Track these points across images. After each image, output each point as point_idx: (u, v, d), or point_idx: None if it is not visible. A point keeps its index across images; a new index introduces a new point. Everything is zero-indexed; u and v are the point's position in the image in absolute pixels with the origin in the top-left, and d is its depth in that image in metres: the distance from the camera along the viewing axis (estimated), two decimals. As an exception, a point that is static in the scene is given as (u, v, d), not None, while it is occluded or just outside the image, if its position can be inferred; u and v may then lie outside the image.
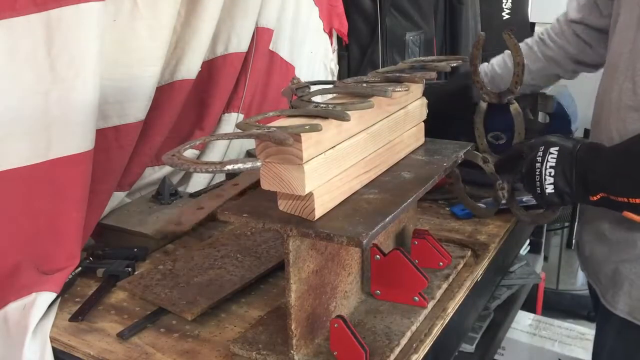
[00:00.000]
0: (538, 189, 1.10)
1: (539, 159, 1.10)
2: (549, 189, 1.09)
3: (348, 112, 0.93)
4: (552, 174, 1.08)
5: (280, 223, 0.92)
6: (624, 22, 1.18)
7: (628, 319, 1.19)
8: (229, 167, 0.77)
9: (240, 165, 0.78)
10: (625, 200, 1.02)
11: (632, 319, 1.18)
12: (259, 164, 0.80)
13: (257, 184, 0.95)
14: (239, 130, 0.90)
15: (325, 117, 0.93)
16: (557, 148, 1.09)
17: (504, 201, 1.34)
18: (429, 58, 1.35)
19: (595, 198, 1.06)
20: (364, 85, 1.10)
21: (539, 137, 1.15)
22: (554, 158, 1.09)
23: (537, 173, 1.10)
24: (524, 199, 1.41)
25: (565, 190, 1.08)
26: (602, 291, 1.25)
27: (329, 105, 0.95)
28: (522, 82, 1.35)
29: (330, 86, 1.14)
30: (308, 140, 0.87)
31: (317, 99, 1.04)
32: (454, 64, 1.26)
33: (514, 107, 1.38)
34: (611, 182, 1.04)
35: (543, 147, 1.11)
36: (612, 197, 1.03)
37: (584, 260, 1.32)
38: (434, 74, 1.21)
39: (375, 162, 1.08)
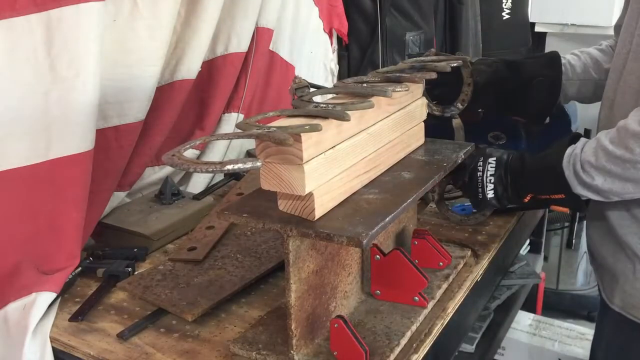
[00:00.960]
0: (480, 194, 1.26)
1: (480, 168, 1.26)
2: (490, 194, 1.25)
3: (348, 112, 0.93)
4: (492, 181, 1.25)
5: (280, 223, 0.92)
6: (626, 24, 1.23)
7: (622, 314, 1.25)
8: (229, 167, 0.77)
9: (240, 165, 0.78)
10: (548, 197, 1.20)
11: (626, 313, 1.25)
12: (259, 164, 0.80)
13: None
14: (239, 130, 0.90)
15: (325, 117, 0.93)
16: (494, 159, 1.25)
17: (432, 204, 1.48)
18: (429, 58, 1.36)
19: (526, 199, 1.24)
20: (364, 85, 1.10)
21: (477, 149, 1.29)
22: (493, 167, 1.25)
23: (479, 181, 1.26)
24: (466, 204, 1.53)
25: (503, 195, 1.25)
26: (604, 285, 1.31)
27: (329, 105, 0.95)
28: (468, 101, 1.43)
29: (330, 88, 1.14)
30: (308, 140, 0.87)
31: (317, 99, 1.04)
32: (454, 64, 1.26)
33: (457, 121, 1.44)
34: (534, 185, 1.22)
35: (482, 158, 1.26)
36: (538, 196, 1.22)
37: (592, 254, 1.37)
38: (434, 74, 1.21)
39: (375, 162, 1.08)
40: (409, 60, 1.34)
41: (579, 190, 1.14)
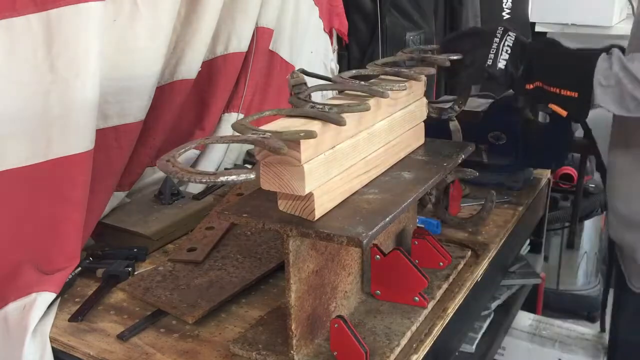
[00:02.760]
0: (490, 61, 1.21)
1: (499, 35, 1.21)
2: (501, 65, 1.21)
3: (345, 114, 0.93)
4: (509, 52, 1.21)
5: (280, 223, 0.92)
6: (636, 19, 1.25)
7: None
8: (223, 178, 0.76)
9: (234, 177, 0.77)
10: (557, 91, 1.16)
11: None
12: (252, 176, 0.79)
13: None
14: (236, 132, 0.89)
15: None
16: (514, 34, 1.22)
17: (430, 205, 1.47)
18: (429, 47, 1.35)
19: (531, 86, 1.19)
20: (362, 83, 1.09)
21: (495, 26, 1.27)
22: (512, 40, 1.21)
23: (494, 47, 1.21)
24: None
25: (511, 70, 1.20)
26: (626, 268, 1.33)
27: (326, 107, 0.95)
28: (465, 104, 1.41)
29: (328, 83, 1.14)
30: (306, 143, 0.86)
31: (317, 95, 1.03)
32: (454, 57, 1.26)
33: (454, 123, 1.43)
34: (550, 71, 1.17)
35: (502, 29, 1.23)
36: (545, 87, 1.17)
37: (619, 249, 1.38)
38: (433, 70, 1.21)
39: (375, 162, 1.08)
40: (407, 50, 1.33)
41: (599, 91, 1.11)
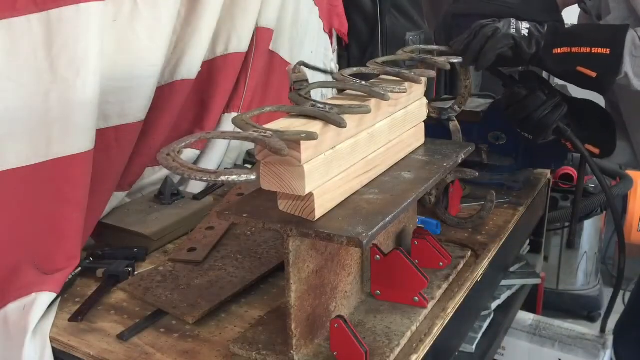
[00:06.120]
0: (513, 29, 1.22)
1: (512, 19, 1.24)
2: (525, 32, 1.22)
3: (346, 115, 0.93)
4: (528, 26, 1.23)
5: (280, 223, 0.92)
6: None
7: None
8: (224, 178, 0.76)
9: (234, 177, 0.77)
10: (587, 50, 1.17)
11: None
12: (253, 176, 0.79)
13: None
14: (237, 130, 0.89)
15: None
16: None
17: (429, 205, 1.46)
18: (429, 47, 1.35)
19: (559, 50, 1.20)
20: (363, 83, 1.09)
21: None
22: (528, 23, 1.24)
23: (512, 20, 1.23)
24: None
25: (537, 35, 1.21)
26: None
27: (327, 106, 0.95)
28: (465, 104, 1.41)
29: (329, 80, 1.14)
30: (307, 143, 0.87)
31: (317, 93, 1.03)
32: (454, 61, 1.26)
33: (454, 124, 1.42)
34: (576, 37, 1.19)
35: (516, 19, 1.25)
36: (574, 50, 1.18)
37: None
38: (433, 73, 1.21)
39: (375, 162, 1.08)
40: (408, 48, 1.33)
41: (628, 59, 1.14)
